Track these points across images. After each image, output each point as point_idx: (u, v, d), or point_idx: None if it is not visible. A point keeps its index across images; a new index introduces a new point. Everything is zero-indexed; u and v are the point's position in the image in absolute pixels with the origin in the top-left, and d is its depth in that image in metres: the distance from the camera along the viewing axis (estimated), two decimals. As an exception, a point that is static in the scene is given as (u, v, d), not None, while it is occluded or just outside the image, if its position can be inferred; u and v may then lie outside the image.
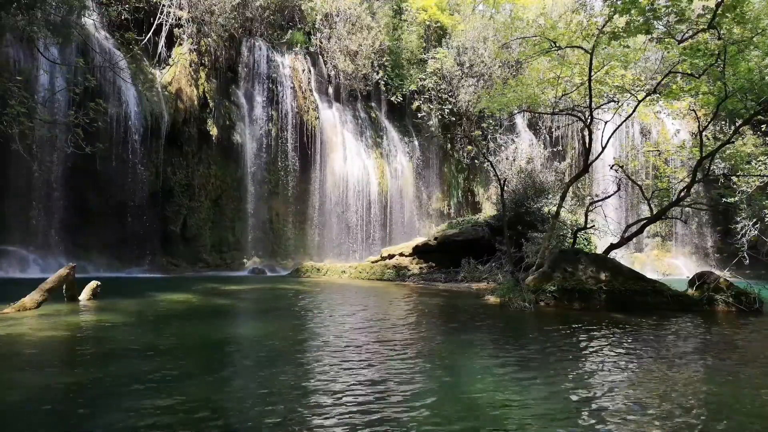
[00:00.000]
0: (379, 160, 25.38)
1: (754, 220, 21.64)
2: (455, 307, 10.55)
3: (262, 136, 22.19)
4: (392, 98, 26.24)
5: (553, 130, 28.97)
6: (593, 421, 3.69)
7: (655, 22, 11.28)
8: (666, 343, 6.82)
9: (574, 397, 4.24)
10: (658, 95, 13.57)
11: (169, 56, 20.34)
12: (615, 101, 14.58)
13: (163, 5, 19.61)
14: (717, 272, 11.76)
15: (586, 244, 16.79)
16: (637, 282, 10.56)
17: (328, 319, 8.55)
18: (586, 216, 14.35)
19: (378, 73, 25.56)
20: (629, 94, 14.28)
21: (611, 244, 12.98)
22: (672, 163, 24.78)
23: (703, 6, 11.36)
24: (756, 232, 21.71)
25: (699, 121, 14.87)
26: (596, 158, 15.86)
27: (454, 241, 17.96)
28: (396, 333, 7.26)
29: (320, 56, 24.71)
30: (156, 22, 19.55)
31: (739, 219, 22.54)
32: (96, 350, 5.68)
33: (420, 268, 17.79)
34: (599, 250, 14.46)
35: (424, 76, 26.69)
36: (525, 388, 4.45)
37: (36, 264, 15.99)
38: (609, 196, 14.90)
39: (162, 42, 19.94)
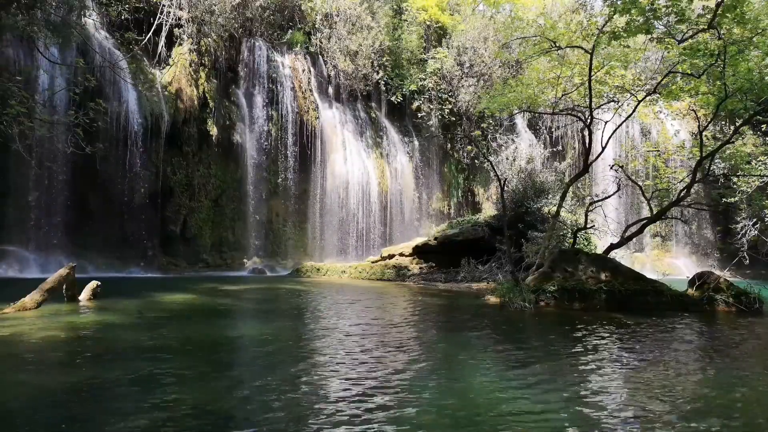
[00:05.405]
0: (379, 160, 25.38)
1: (754, 220, 21.68)
2: (455, 307, 10.55)
3: (262, 137, 22.19)
4: (392, 98, 26.23)
5: (553, 130, 28.97)
6: (594, 422, 3.69)
7: (655, 22, 11.30)
8: (666, 343, 6.81)
9: (574, 398, 4.24)
10: (658, 95, 13.59)
11: (169, 56, 20.33)
12: (615, 101, 14.58)
13: (163, 5, 19.61)
14: (717, 272, 11.76)
15: (586, 244, 16.79)
16: (637, 282, 10.56)
17: (328, 319, 8.55)
18: (586, 216, 14.35)
19: (378, 73, 25.56)
20: (629, 94, 14.29)
21: (611, 244, 12.99)
22: (672, 163, 24.78)
23: (703, 6, 11.38)
24: (756, 232, 21.73)
25: (699, 121, 14.89)
26: (596, 158, 15.86)
27: (454, 241, 17.95)
28: (396, 333, 7.25)
29: (320, 56, 24.70)
30: (156, 22, 19.54)
31: (739, 219, 22.57)
32: (96, 350, 5.68)
33: (420, 268, 17.79)
34: (599, 250, 14.46)
35: (424, 76, 26.69)
36: (524, 388, 4.46)
37: (36, 264, 15.98)
38: (609, 196, 14.90)
39: (162, 42, 19.93)
